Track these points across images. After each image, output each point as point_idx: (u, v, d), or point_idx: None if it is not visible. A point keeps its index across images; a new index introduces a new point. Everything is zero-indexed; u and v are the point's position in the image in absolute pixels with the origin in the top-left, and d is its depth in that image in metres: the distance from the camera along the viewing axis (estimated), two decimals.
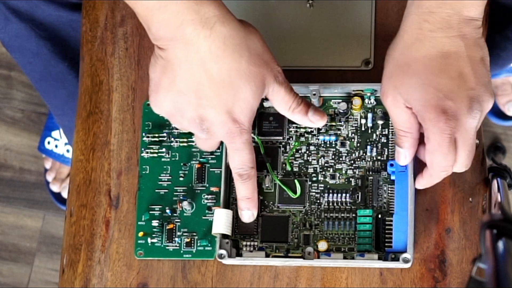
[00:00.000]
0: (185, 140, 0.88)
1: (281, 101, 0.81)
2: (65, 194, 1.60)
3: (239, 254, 0.83)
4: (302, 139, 0.87)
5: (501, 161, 1.47)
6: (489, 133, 1.62)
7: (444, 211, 0.85)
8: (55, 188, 1.61)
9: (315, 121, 0.83)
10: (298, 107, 0.81)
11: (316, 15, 0.91)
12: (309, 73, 0.89)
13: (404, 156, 0.81)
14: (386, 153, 0.86)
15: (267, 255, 0.83)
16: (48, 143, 1.60)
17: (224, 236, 0.83)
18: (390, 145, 0.86)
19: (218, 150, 0.87)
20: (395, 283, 0.84)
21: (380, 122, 0.86)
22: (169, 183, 0.87)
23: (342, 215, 0.85)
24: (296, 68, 0.89)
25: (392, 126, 0.85)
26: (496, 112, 1.61)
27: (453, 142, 0.76)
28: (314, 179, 0.86)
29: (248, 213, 0.83)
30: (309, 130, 0.87)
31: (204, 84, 0.76)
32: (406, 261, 0.81)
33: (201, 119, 0.78)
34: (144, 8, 0.73)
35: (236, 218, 0.84)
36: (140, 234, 0.86)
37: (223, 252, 0.82)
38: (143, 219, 0.86)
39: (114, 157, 0.90)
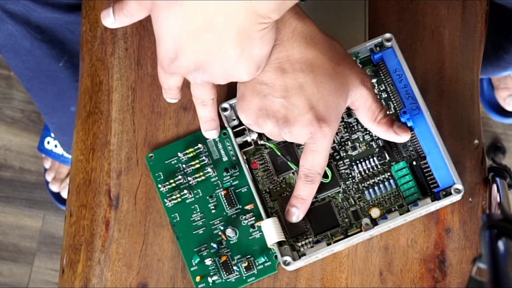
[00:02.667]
0: (200, 174, 0.87)
1: (368, 110, 0.80)
2: (64, 194, 1.60)
3: (300, 256, 0.83)
4: None
5: (501, 161, 1.47)
6: (489, 133, 1.62)
7: (444, 211, 0.85)
8: (54, 188, 1.61)
9: (400, 134, 0.81)
10: (385, 118, 0.80)
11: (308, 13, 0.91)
12: None
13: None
14: (392, 106, 0.86)
15: (328, 244, 0.83)
16: (48, 143, 1.60)
17: (279, 244, 0.83)
18: (392, 97, 0.86)
19: (236, 171, 0.87)
20: (395, 283, 0.84)
21: (374, 80, 0.87)
22: (204, 219, 0.86)
23: (378, 178, 0.85)
24: None
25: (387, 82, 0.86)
26: (496, 108, 1.60)
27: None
28: (338, 157, 0.86)
29: (296, 212, 0.83)
30: None
31: (288, 79, 0.75)
32: (458, 191, 0.82)
33: (285, 119, 0.77)
34: None
35: (284, 224, 0.84)
36: (198, 279, 0.85)
37: (287, 258, 0.82)
38: (194, 264, 0.85)
39: (114, 157, 0.90)
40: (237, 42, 0.72)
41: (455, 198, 0.83)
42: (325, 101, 0.76)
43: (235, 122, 0.87)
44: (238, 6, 0.70)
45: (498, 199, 0.80)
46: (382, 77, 0.87)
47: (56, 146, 1.60)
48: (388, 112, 0.85)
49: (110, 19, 0.78)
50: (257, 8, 0.70)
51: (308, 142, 0.79)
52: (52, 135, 1.61)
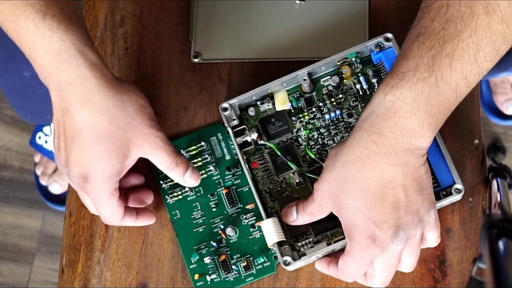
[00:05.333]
0: (203, 172, 0.88)
1: (159, 162, 0.81)
2: (52, 189, 1.61)
3: (300, 256, 0.83)
4: (310, 126, 0.87)
5: (501, 161, 1.47)
6: (489, 133, 1.62)
7: (444, 211, 0.85)
8: (43, 182, 1.61)
9: (189, 183, 0.84)
10: (176, 167, 0.82)
11: (306, 13, 0.92)
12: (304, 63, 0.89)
13: (293, 219, 0.83)
14: None
15: (328, 244, 0.83)
16: (39, 138, 1.61)
17: (279, 244, 0.82)
18: None
19: (238, 170, 0.87)
20: (395, 283, 0.84)
21: (374, 80, 0.87)
22: (204, 217, 0.87)
23: None
24: (294, 60, 0.89)
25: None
26: (495, 111, 1.61)
27: (371, 260, 0.78)
28: None
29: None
30: (312, 115, 0.87)
31: (62, 137, 0.79)
32: (458, 191, 0.82)
33: (67, 175, 0.81)
34: (24, 50, 0.78)
35: (284, 224, 0.84)
36: (196, 276, 0.85)
37: (287, 258, 0.82)
38: (193, 261, 0.85)
39: None
40: None
41: (455, 198, 0.83)
42: (88, 163, 0.78)
43: (235, 122, 0.87)
44: None
45: (498, 199, 0.80)
46: (382, 77, 0.87)
47: (46, 142, 1.60)
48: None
49: (293, 217, 0.82)
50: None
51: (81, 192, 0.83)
52: (44, 130, 1.61)
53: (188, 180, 0.83)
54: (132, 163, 0.81)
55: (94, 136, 0.77)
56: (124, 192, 0.86)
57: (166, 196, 0.87)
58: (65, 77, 0.76)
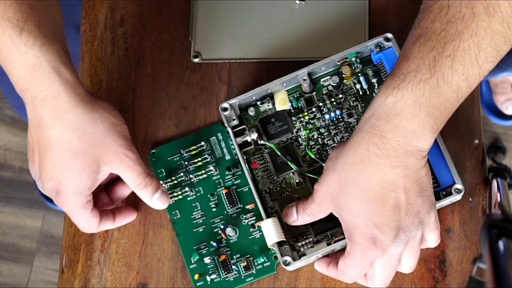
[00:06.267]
0: (202, 172, 0.88)
1: (128, 180, 0.82)
2: None
3: (300, 256, 0.83)
4: (310, 126, 0.87)
5: (501, 161, 1.47)
6: (489, 133, 1.62)
7: (444, 211, 0.85)
8: None
9: (156, 205, 0.84)
10: (145, 188, 0.82)
11: (306, 13, 0.92)
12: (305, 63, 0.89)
13: (293, 220, 0.83)
14: None
15: (328, 244, 0.83)
16: None
17: (279, 244, 0.82)
18: None
19: (238, 170, 0.87)
20: (395, 283, 0.84)
21: (374, 80, 0.87)
22: (204, 217, 0.87)
23: None
24: (295, 60, 0.89)
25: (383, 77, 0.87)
26: (495, 111, 1.61)
27: (371, 262, 0.78)
28: None
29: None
30: (312, 115, 0.87)
31: (36, 150, 0.79)
32: (458, 191, 0.82)
33: (41, 187, 0.81)
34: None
35: (284, 223, 0.84)
36: (196, 276, 0.85)
37: (287, 258, 0.82)
38: (193, 261, 0.85)
39: None
40: None
41: (455, 198, 0.83)
42: (60, 178, 0.79)
43: (235, 122, 0.87)
44: None
45: (498, 199, 0.80)
46: (382, 77, 0.87)
47: None
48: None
49: (293, 217, 0.82)
50: None
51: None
52: None
53: (156, 202, 0.84)
54: (104, 177, 0.81)
55: (66, 153, 0.78)
56: (101, 190, 0.86)
57: None
58: (38, 93, 0.77)
